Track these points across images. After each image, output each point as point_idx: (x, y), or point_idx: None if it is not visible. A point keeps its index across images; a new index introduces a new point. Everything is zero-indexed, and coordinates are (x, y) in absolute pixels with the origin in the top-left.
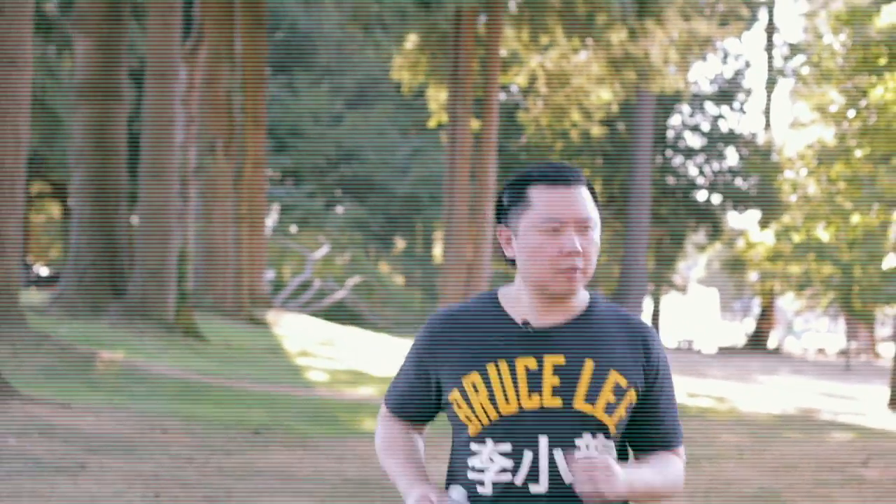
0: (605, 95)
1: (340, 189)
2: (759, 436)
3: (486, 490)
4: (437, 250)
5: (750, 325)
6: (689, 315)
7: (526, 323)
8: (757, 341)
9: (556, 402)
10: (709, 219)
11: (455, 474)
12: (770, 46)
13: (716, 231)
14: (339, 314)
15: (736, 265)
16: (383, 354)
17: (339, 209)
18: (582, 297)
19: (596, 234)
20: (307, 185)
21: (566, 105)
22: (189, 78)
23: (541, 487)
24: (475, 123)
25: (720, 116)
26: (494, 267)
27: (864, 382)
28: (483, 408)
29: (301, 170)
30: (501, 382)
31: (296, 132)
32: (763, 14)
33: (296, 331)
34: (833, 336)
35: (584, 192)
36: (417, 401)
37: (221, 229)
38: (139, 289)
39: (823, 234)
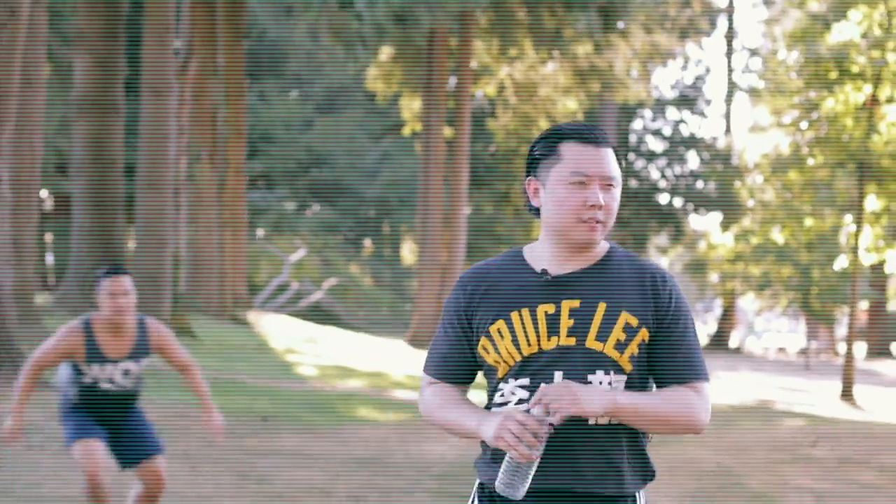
0: (570, 105)
1: (311, 193)
2: (718, 422)
3: None
4: (406, 252)
5: (712, 325)
6: None
7: (544, 272)
8: (719, 341)
9: (571, 342)
10: (671, 221)
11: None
12: (730, 52)
13: (678, 233)
14: (317, 315)
15: (698, 267)
16: (364, 351)
17: (311, 212)
18: (601, 247)
19: (617, 191)
20: (280, 190)
21: (534, 114)
22: (180, 92)
23: (555, 419)
24: (448, 131)
25: (681, 121)
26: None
27: (821, 379)
28: (508, 351)
29: (272, 174)
30: (524, 328)
31: (267, 138)
32: (723, 21)
33: (278, 330)
34: (794, 336)
35: (610, 152)
36: (457, 358)
37: (207, 235)
38: (137, 291)
39: (779, 237)
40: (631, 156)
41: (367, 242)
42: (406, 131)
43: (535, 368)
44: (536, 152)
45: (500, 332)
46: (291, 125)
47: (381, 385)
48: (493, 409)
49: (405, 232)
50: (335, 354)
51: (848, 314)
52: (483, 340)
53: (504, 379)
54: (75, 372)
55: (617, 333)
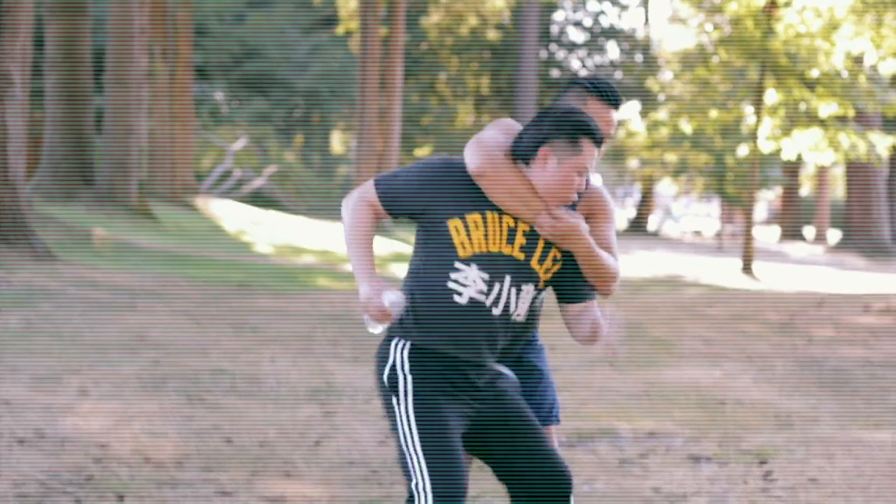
0: (498, 3)
1: (244, 85)
2: (632, 288)
3: (461, 300)
4: (335, 142)
5: (631, 210)
6: None
7: None
8: (637, 225)
9: (521, 256)
10: None
11: (428, 278)
12: None
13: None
14: (259, 200)
15: (617, 154)
16: (308, 233)
17: (238, 104)
18: None
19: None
20: (217, 83)
21: (464, 12)
22: None
23: (497, 311)
24: (383, 30)
25: (601, 12)
26: (402, 158)
27: (731, 258)
28: (478, 240)
29: (207, 67)
30: (494, 227)
31: (201, 31)
32: None
33: (226, 214)
34: (711, 220)
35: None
36: (407, 205)
37: (161, 126)
38: (107, 178)
39: (687, 127)
40: (553, 46)
41: (299, 132)
42: (340, 30)
43: (494, 267)
44: (561, 136)
45: (475, 222)
46: (224, 18)
47: (331, 261)
48: (450, 283)
49: (336, 122)
50: (283, 235)
51: (749, 198)
52: (455, 221)
53: (466, 262)
54: None
55: (548, 262)
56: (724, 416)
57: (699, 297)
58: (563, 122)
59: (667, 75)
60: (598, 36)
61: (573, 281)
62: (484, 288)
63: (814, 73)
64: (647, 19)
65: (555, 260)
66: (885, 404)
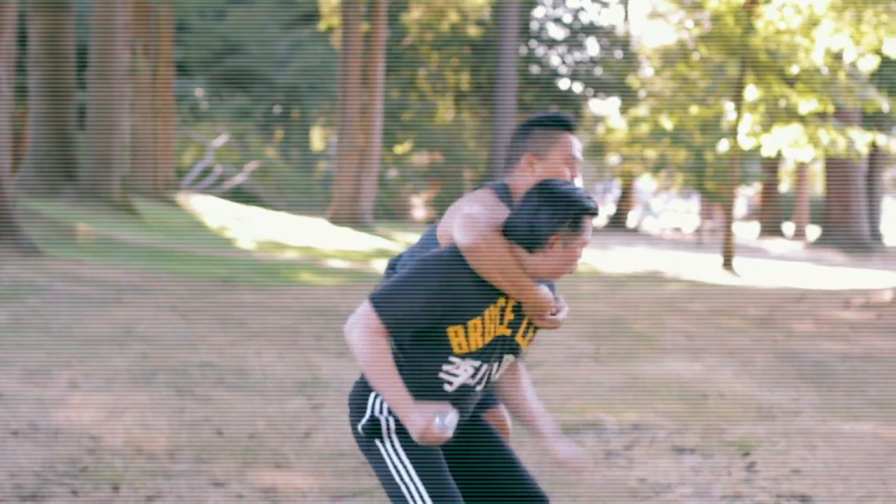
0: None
1: (225, 81)
2: (613, 285)
3: (451, 388)
4: (315, 137)
5: (611, 207)
6: None
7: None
8: (617, 221)
9: (508, 332)
10: (571, 106)
11: (418, 370)
12: None
13: (577, 117)
14: (240, 196)
15: (596, 149)
16: (290, 229)
17: (219, 100)
18: None
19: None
20: (198, 78)
21: (445, 7)
22: None
23: (481, 387)
24: (364, 26)
25: (581, 9)
26: (382, 154)
27: (711, 254)
28: (475, 341)
29: (188, 63)
30: (492, 322)
31: (182, 27)
32: None
33: (207, 210)
34: (690, 216)
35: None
36: (412, 327)
37: (143, 122)
38: (90, 174)
39: (668, 123)
40: (532, 43)
41: (279, 128)
42: (322, 26)
43: (486, 353)
44: (568, 222)
45: (475, 326)
46: (205, 14)
47: (314, 256)
48: (441, 374)
49: (316, 118)
50: (265, 231)
51: (729, 194)
52: (457, 328)
53: (461, 357)
54: None
55: (530, 334)
56: (707, 409)
57: (680, 293)
58: (567, 211)
59: (647, 72)
60: (578, 32)
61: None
62: (472, 373)
63: (794, 70)
64: (626, 15)
65: (534, 329)
66: (864, 397)
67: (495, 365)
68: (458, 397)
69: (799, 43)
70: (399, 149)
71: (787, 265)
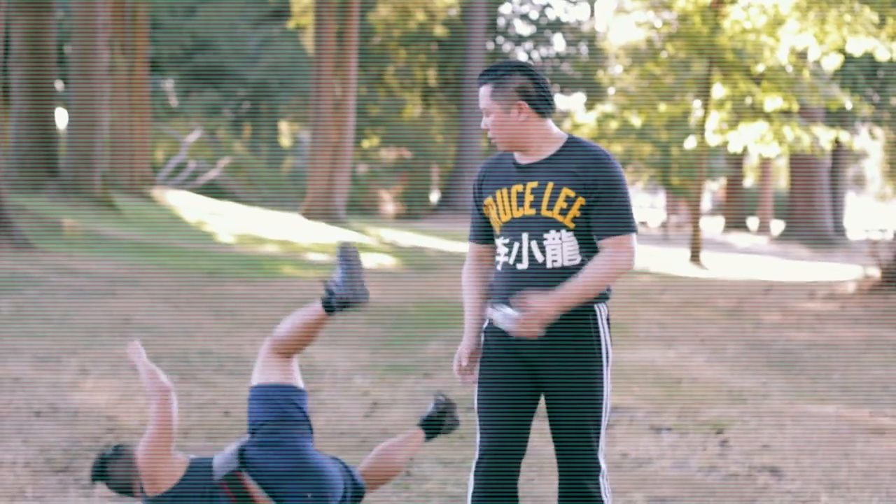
0: None
1: (196, 77)
2: None
3: (499, 268)
4: (284, 132)
5: None
6: None
7: (515, 163)
8: None
9: (532, 212)
10: None
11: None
12: None
13: None
14: (213, 191)
15: None
16: (266, 223)
17: (195, 95)
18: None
19: (492, 117)
20: (169, 75)
21: (412, 7)
22: None
23: (523, 265)
24: (336, 25)
25: (548, 5)
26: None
27: (676, 248)
28: (497, 216)
29: (159, 59)
30: (504, 201)
31: (154, 24)
32: None
33: (183, 205)
34: (656, 211)
35: (483, 89)
36: (480, 223)
37: (119, 118)
38: (71, 170)
39: (636, 120)
40: (499, 39)
41: (248, 124)
42: (291, 25)
43: (510, 232)
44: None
45: (492, 201)
46: (176, 11)
47: (294, 250)
48: (496, 258)
49: (285, 114)
50: (243, 226)
51: (696, 189)
52: (488, 199)
53: (498, 235)
54: None
55: (560, 203)
56: (681, 392)
57: (651, 285)
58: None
59: (616, 69)
60: (545, 28)
61: (597, 218)
62: (505, 251)
63: (759, 68)
64: (592, 12)
65: (569, 200)
66: (829, 382)
67: (529, 243)
68: (504, 277)
69: (764, 42)
70: (367, 144)
71: (752, 258)
